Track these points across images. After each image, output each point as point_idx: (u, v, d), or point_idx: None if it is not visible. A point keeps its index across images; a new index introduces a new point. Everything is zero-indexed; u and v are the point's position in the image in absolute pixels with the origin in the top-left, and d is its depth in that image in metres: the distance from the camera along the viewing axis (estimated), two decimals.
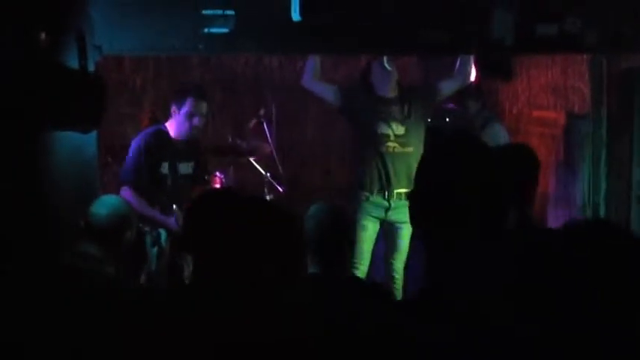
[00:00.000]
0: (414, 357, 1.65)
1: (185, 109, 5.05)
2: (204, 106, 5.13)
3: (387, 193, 5.30)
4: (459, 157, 1.76)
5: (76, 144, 3.98)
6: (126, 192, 4.97)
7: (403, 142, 5.32)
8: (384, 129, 5.32)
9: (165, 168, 5.09)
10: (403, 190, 5.28)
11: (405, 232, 5.35)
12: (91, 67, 4.06)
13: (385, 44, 4.78)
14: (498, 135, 5.68)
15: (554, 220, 6.08)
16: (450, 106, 6.22)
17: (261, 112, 6.18)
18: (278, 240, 2.35)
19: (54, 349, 2.82)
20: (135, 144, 5.10)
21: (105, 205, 3.64)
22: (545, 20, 4.67)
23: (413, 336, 1.67)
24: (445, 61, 5.86)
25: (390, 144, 5.30)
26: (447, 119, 6.20)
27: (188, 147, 5.23)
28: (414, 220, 1.80)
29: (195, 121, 5.08)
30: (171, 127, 5.14)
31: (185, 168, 5.23)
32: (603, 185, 5.68)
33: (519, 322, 1.63)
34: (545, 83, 6.51)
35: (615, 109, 5.64)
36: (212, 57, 6.84)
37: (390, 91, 5.42)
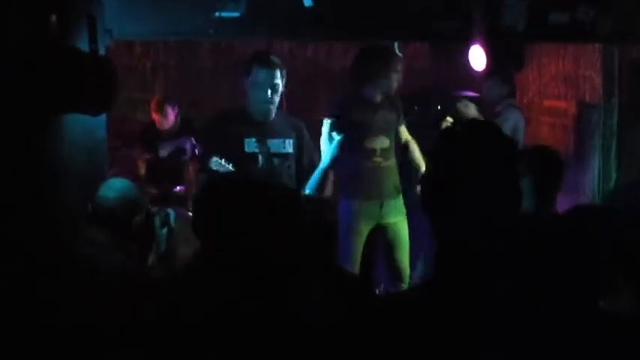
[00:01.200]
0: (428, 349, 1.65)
1: (250, 78, 4.60)
2: (273, 75, 4.57)
3: (376, 203, 5.20)
4: (473, 144, 1.73)
5: (86, 127, 3.98)
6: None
7: (387, 156, 5.20)
8: (370, 143, 5.14)
9: (251, 145, 4.65)
10: (392, 199, 5.22)
11: (402, 227, 5.27)
12: (102, 51, 4.06)
13: (397, 31, 4.76)
14: (507, 123, 5.64)
15: (564, 210, 6.04)
16: (462, 93, 6.18)
17: None
18: (289, 228, 2.35)
19: (57, 341, 2.83)
20: None
21: (113, 188, 3.58)
22: (557, 8, 4.66)
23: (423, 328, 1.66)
24: (455, 50, 5.82)
25: (377, 159, 5.15)
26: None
27: (280, 122, 4.78)
28: (426, 206, 1.78)
29: (267, 91, 4.57)
30: (249, 103, 4.71)
31: (279, 145, 4.74)
32: (613, 175, 5.66)
33: (529, 312, 1.63)
34: (556, 72, 6.47)
35: (626, 98, 5.62)
36: (222, 42, 6.83)
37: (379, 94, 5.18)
